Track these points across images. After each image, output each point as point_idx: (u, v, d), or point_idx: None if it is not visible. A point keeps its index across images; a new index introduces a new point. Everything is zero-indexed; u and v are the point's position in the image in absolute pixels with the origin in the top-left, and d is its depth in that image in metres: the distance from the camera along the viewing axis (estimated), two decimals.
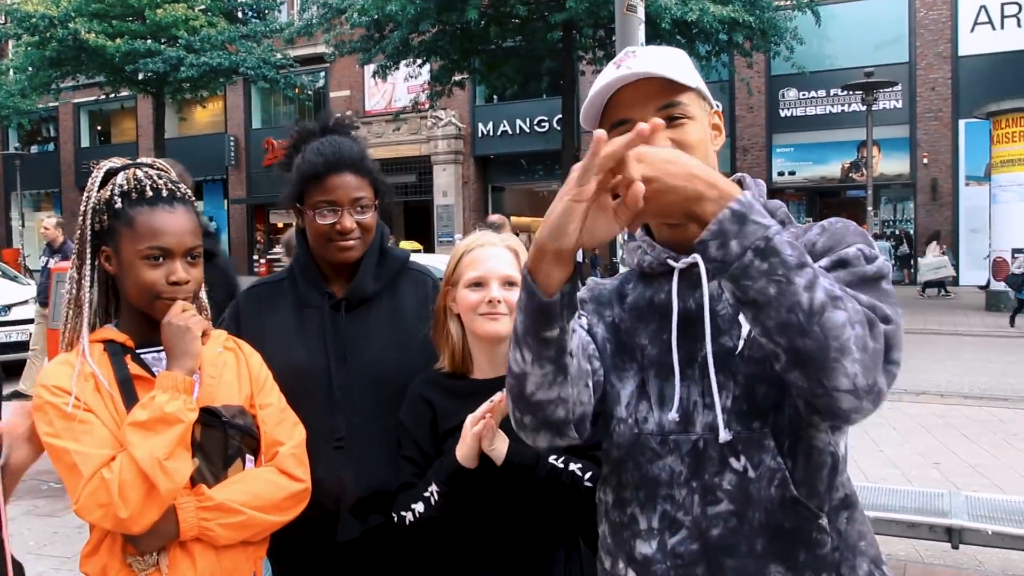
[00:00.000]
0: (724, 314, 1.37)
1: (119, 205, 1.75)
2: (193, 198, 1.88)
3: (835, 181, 24.08)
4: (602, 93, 1.40)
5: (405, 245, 23.15)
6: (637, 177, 1.10)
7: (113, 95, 28.00)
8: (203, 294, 1.94)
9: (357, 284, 2.18)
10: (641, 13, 4.82)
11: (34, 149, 36.29)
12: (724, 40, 18.53)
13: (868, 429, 7.01)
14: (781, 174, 24.43)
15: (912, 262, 22.53)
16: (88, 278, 1.81)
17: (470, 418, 1.80)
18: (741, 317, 1.33)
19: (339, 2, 19.33)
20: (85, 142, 35.80)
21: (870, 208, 19.00)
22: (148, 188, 1.76)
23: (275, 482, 1.79)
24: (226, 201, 32.28)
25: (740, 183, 1.44)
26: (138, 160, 1.86)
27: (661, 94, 1.38)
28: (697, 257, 1.37)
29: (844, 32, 22.75)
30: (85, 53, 23.28)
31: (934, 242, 20.10)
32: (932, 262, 19.70)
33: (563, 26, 18.08)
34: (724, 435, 1.33)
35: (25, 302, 10.95)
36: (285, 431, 1.87)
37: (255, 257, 31.11)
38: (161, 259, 1.75)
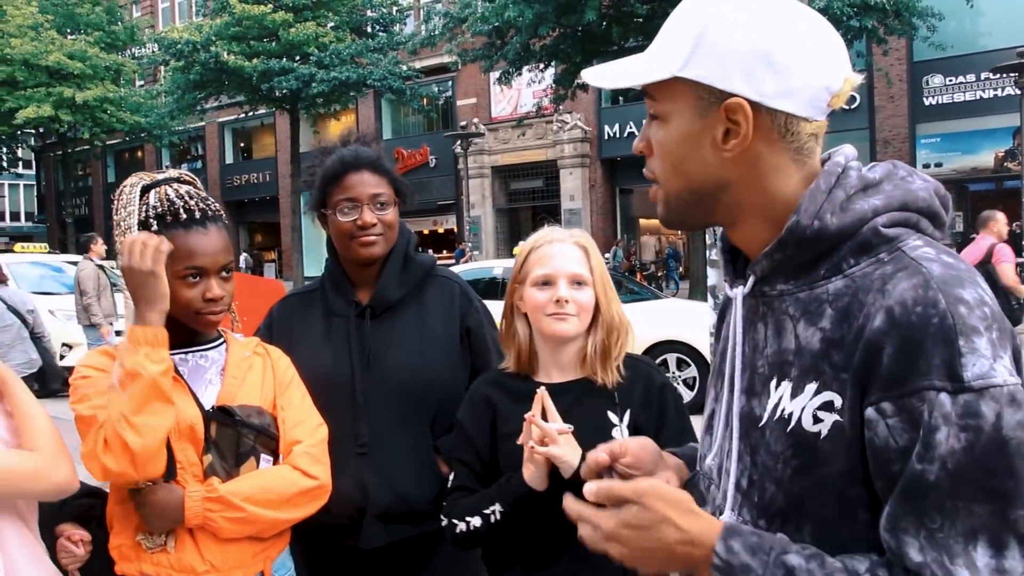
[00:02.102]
0: (761, 373, 1.11)
1: (155, 228, 1.82)
2: (222, 213, 1.95)
3: (988, 172, 22.43)
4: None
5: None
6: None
7: (252, 113, 29.47)
8: (234, 304, 2.03)
9: (381, 290, 2.20)
10: None
11: (184, 167, 38.36)
12: (856, 27, 17.57)
13: None
14: (927, 166, 22.92)
15: None
16: None
17: (529, 444, 1.70)
18: (772, 384, 1.08)
19: (459, 11, 19.61)
20: (229, 158, 37.73)
21: None
22: (182, 210, 1.84)
23: (287, 478, 1.85)
24: None
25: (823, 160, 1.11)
26: (167, 176, 1.94)
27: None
28: (737, 295, 1.14)
29: (997, 9, 21.13)
30: (225, 74, 24.64)
31: None
32: None
33: None
34: (727, 515, 1.11)
35: None
36: (304, 431, 1.91)
37: None
38: (197, 278, 1.83)
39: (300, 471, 1.86)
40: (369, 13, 26.93)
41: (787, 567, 0.93)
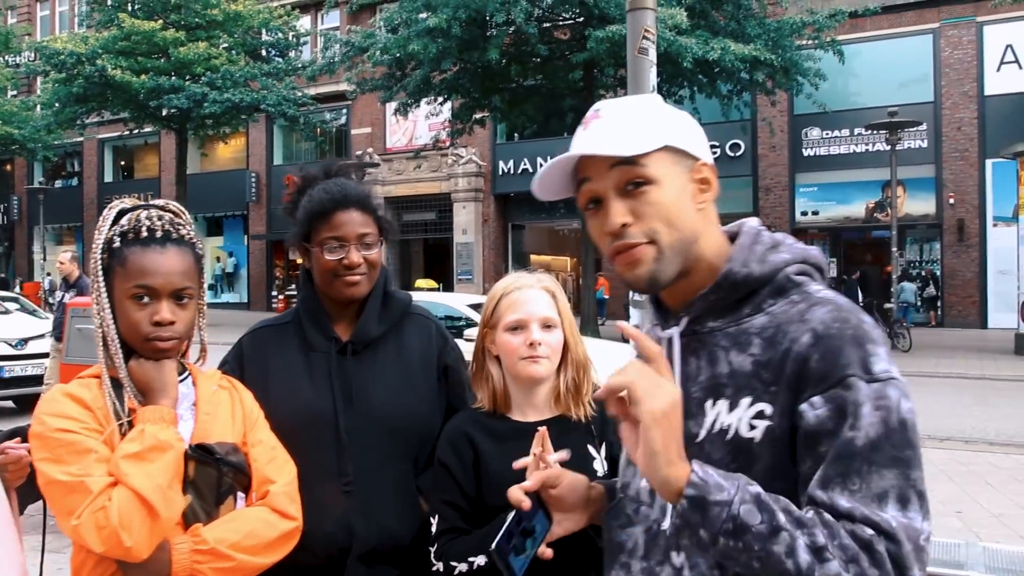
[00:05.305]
0: (695, 397, 1.31)
1: (116, 245, 1.79)
2: (195, 239, 1.88)
3: (859, 221, 23.83)
4: (560, 166, 1.35)
5: (422, 283, 23.19)
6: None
7: (137, 131, 28.42)
8: (204, 335, 1.94)
9: (362, 327, 2.17)
10: (653, 55, 4.79)
11: (58, 184, 36.75)
12: (746, 79, 18.46)
13: None
14: (804, 214, 24.21)
15: (939, 303, 22.15)
16: (109, 314, 1.80)
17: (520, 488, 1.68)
18: (707, 405, 1.29)
19: (361, 41, 19.53)
20: (108, 177, 36.28)
21: (895, 249, 18.76)
22: (144, 229, 1.79)
23: (268, 521, 1.79)
24: (246, 236, 32.48)
25: (735, 233, 1.38)
26: (151, 201, 1.89)
27: (616, 157, 1.31)
28: (673, 333, 1.36)
29: (869, 71, 22.63)
30: (111, 89, 23.75)
31: None
32: None
33: (584, 65, 18.11)
34: (667, 523, 1.31)
35: (41, 336, 10.92)
36: (276, 469, 1.87)
37: (274, 292, 31.19)
38: (147, 299, 1.76)
39: (279, 513, 1.81)
40: (265, 37, 26.51)
41: (752, 492, 1.13)
